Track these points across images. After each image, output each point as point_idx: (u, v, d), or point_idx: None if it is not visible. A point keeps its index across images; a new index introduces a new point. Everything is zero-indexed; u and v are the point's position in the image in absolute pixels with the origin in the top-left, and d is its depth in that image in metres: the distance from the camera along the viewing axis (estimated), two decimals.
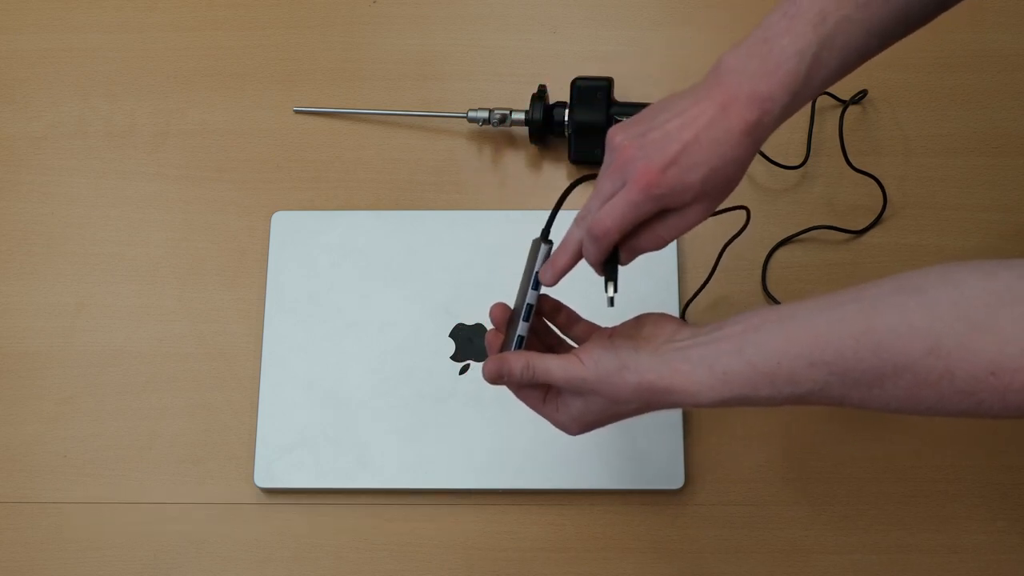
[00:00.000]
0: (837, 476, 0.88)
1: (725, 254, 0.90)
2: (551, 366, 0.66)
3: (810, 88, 0.65)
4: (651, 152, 0.63)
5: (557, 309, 0.72)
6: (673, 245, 0.91)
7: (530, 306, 0.70)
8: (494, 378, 0.68)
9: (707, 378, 0.63)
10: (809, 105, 0.97)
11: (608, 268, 0.68)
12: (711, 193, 0.64)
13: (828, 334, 0.60)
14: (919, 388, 0.58)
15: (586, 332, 0.72)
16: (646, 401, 0.64)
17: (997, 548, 0.86)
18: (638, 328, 0.67)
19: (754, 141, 0.65)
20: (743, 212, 0.86)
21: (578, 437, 0.86)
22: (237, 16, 1.04)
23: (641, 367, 0.64)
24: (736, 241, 0.90)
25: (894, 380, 0.58)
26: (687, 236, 0.93)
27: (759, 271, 0.93)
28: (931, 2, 0.68)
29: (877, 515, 0.87)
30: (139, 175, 0.99)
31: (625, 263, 0.68)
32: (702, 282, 0.91)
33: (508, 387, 0.70)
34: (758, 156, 0.95)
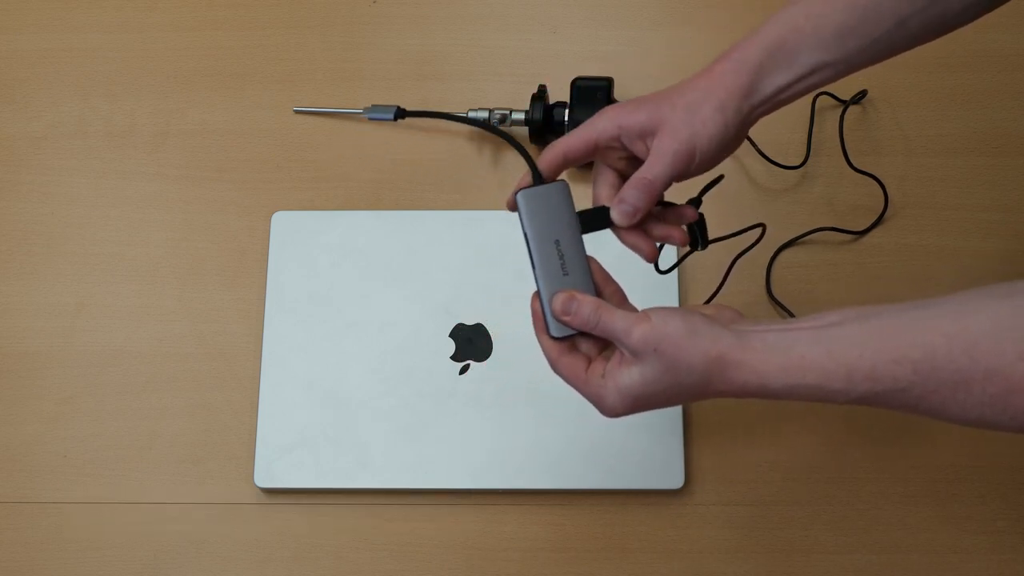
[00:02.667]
0: (837, 476, 0.88)
1: (726, 256, 0.90)
2: (617, 317, 0.62)
3: (785, 48, 0.66)
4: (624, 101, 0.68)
5: (607, 280, 0.68)
6: (673, 252, 0.91)
7: (586, 257, 0.67)
8: (561, 311, 0.65)
9: (781, 360, 0.60)
10: (809, 105, 0.97)
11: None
12: (667, 119, 0.65)
13: (917, 332, 0.58)
14: (1010, 395, 0.55)
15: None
16: (710, 375, 0.60)
17: (997, 548, 0.86)
18: (700, 309, 0.65)
19: (719, 83, 0.66)
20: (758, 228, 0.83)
21: (577, 438, 0.86)
22: (237, 16, 1.04)
23: (714, 335, 0.61)
24: (736, 242, 0.89)
25: (983, 385, 0.56)
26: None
27: (763, 274, 0.93)
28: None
29: (877, 515, 0.87)
30: (139, 175, 0.99)
31: (623, 221, 0.67)
32: (703, 290, 0.91)
33: (551, 354, 0.67)
34: (758, 156, 0.96)
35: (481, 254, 0.92)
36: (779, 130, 0.98)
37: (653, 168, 0.66)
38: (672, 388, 0.62)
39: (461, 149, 0.99)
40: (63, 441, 0.91)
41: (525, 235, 0.67)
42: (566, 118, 0.94)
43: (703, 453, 0.89)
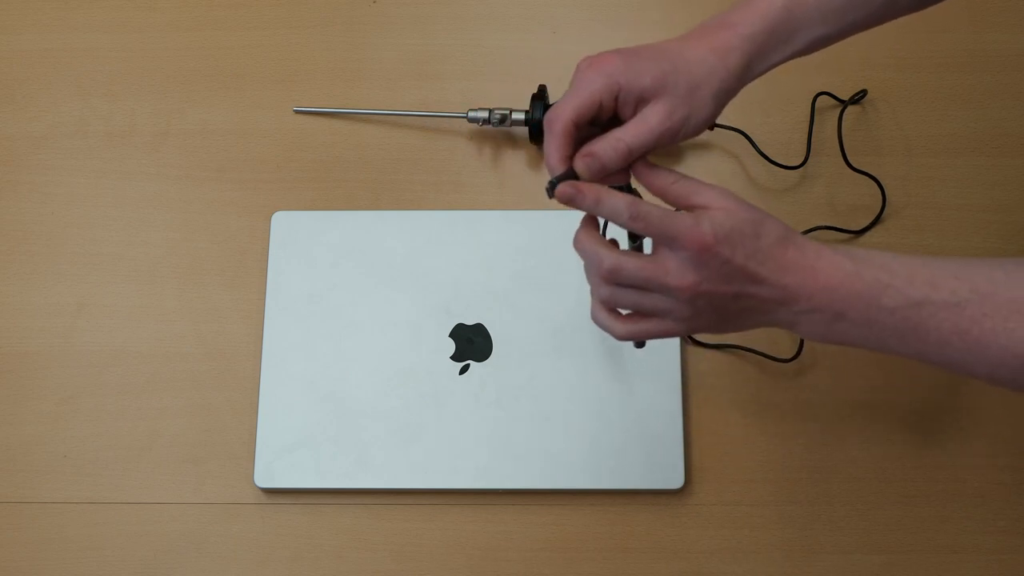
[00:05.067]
0: (837, 476, 0.88)
1: None
2: (705, 186, 0.61)
3: (789, 24, 0.64)
4: (616, 50, 0.63)
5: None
6: None
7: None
8: (641, 172, 0.63)
9: (847, 251, 0.61)
10: (809, 105, 0.97)
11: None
12: (671, 91, 0.62)
13: (979, 264, 0.60)
14: None
15: None
16: (787, 242, 0.60)
17: (997, 548, 0.86)
18: None
19: (721, 61, 0.63)
20: None
21: (577, 438, 0.86)
22: (237, 16, 1.04)
23: (784, 224, 0.61)
24: None
25: None
26: None
27: None
28: None
29: (877, 515, 0.87)
30: (139, 175, 0.99)
31: (588, 176, 0.63)
32: None
33: (647, 209, 0.61)
34: (759, 157, 0.96)
35: (481, 254, 0.92)
36: (779, 130, 0.98)
37: (634, 136, 0.62)
38: (755, 237, 0.59)
39: (461, 149, 0.99)
40: (63, 441, 0.91)
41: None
42: None
43: (703, 453, 0.89)
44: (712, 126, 0.94)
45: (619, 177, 0.64)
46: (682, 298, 0.61)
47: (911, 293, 0.59)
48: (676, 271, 0.60)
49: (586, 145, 0.63)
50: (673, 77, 0.62)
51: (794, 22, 0.64)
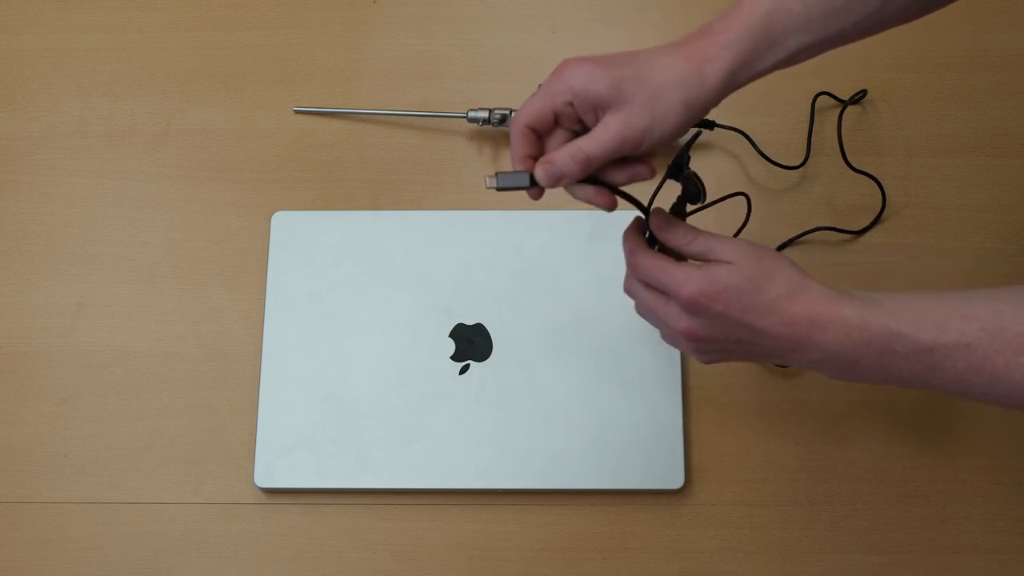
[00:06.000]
0: (837, 476, 0.88)
1: None
2: (718, 238, 0.65)
3: (772, 32, 0.63)
4: (587, 56, 0.63)
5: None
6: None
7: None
8: (658, 228, 0.66)
9: (858, 298, 0.62)
10: (809, 105, 0.97)
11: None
12: (629, 99, 0.61)
13: (985, 299, 0.60)
14: None
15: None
16: (793, 293, 0.62)
17: (997, 548, 0.86)
18: None
19: (697, 70, 0.62)
20: (743, 202, 0.80)
21: (577, 438, 0.86)
22: (237, 16, 1.04)
23: (803, 272, 0.64)
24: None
25: None
26: None
27: None
28: None
29: (877, 515, 0.87)
30: (139, 175, 0.99)
31: (546, 182, 0.64)
32: None
33: (634, 245, 0.66)
34: (759, 157, 0.96)
35: (481, 254, 0.92)
36: (779, 130, 0.98)
37: (594, 145, 0.62)
38: (758, 292, 0.62)
39: (461, 149, 0.99)
40: (63, 441, 0.91)
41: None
42: None
43: (703, 453, 0.89)
44: (712, 126, 0.95)
45: (605, 199, 0.66)
46: (684, 337, 0.66)
47: (921, 338, 0.60)
48: (674, 316, 0.65)
49: (548, 153, 0.64)
50: (632, 85, 0.61)
51: (777, 31, 0.63)
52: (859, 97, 0.98)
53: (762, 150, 0.96)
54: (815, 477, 0.88)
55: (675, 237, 0.66)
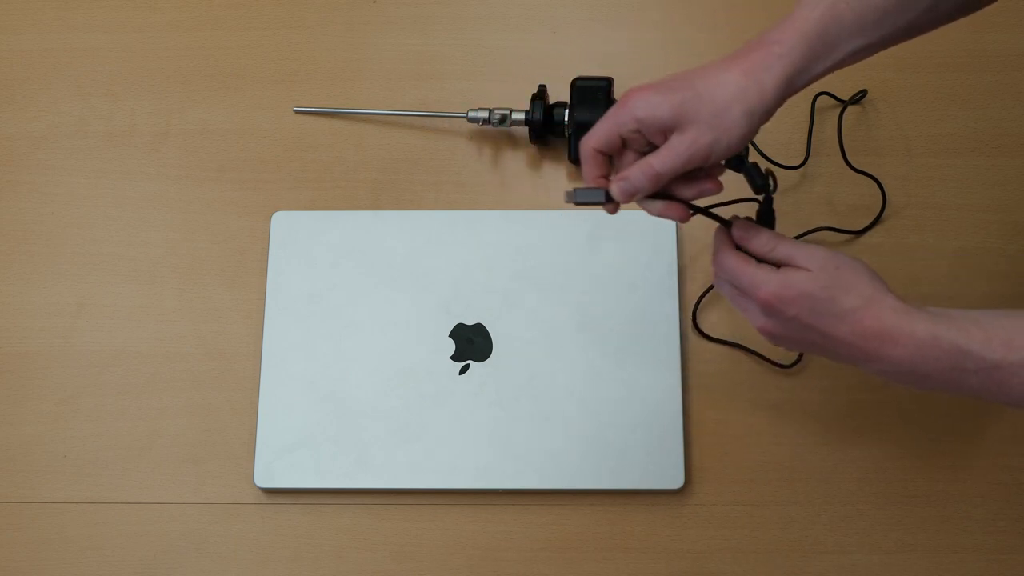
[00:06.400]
0: (837, 476, 0.88)
1: None
2: (799, 245, 0.68)
3: (826, 38, 0.65)
4: (645, 83, 0.67)
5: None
6: (672, 239, 0.91)
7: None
8: (739, 235, 0.70)
9: (931, 314, 0.64)
10: (809, 105, 0.97)
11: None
12: (693, 119, 0.65)
13: None
14: None
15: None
16: (867, 305, 0.65)
17: (997, 548, 0.86)
18: None
19: (755, 80, 0.65)
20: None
21: (577, 438, 0.86)
22: (237, 16, 1.04)
23: (881, 281, 0.66)
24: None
25: None
26: (686, 229, 0.93)
27: None
28: None
29: (877, 515, 0.87)
30: (139, 175, 0.99)
31: (621, 198, 0.68)
32: (701, 289, 0.91)
33: (722, 247, 0.70)
34: (758, 156, 0.96)
35: (481, 254, 0.92)
36: (779, 130, 0.98)
37: (665, 161, 0.66)
38: (832, 301, 0.65)
39: (461, 149, 0.99)
40: (63, 441, 0.91)
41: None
42: (566, 118, 0.94)
43: (703, 453, 0.89)
44: None
45: (676, 211, 0.69)
46: (762, 333, 0.70)
47: (989, 356, 0.62)
48: (753, 314, 0.69)
49: (622, 171, 0.68)
50: (694, 105, 0.65)
51: (832, 35, 0.65)
52: (859, 97, 0.98)
53: (762, 150, 0.96)
54: (815, 477, 0.88)
55: (757, 245, 0.69)
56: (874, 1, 0.66)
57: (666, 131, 0.66)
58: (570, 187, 0.96)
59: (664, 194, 0.68)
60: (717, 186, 0.69)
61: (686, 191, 0.68)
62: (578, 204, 0.69)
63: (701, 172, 0.68)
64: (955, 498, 0.87)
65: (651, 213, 0.69)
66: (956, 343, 0.63)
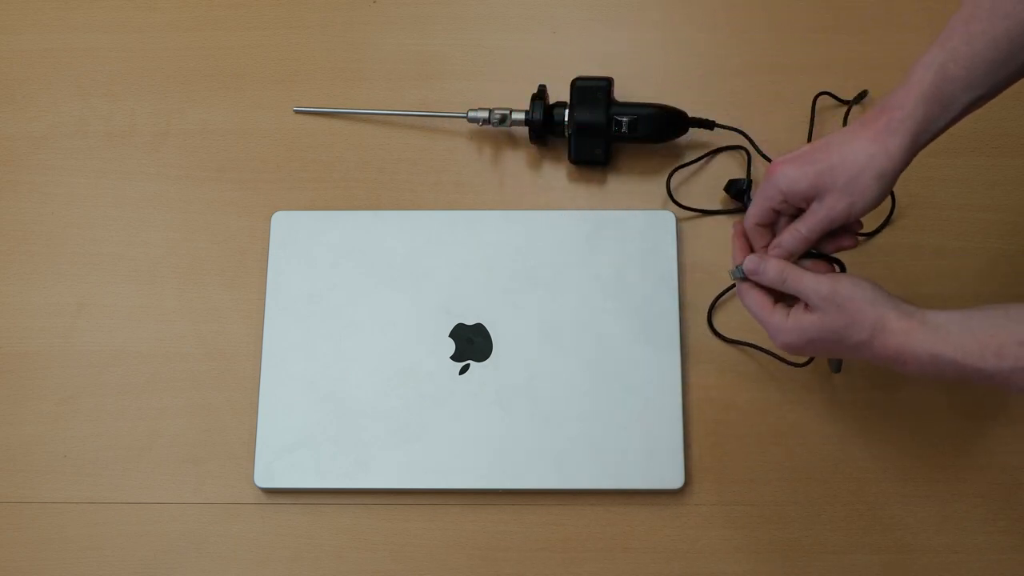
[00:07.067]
0: (837, 476, 0.88)
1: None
2: (806, 278, 0.73)
3: (942, 97, 0.71)
4: (786, 155, 0.74)
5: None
6: (672, 239, 0.91)
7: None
8: (749, 271, 0.76)
9: (931, 335, 0.69)
10: (810, 106, 0.97)
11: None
12: (830, 188, 0.72)
13: None
14: None
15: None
16: (874, 335, 0.71)
17: (997, 548, 0.86)
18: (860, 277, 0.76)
19: (882, 146, 0.71)
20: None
21: (577, 437, 0.86)
22: (237, 16, 1.04)
23: (887, 304, 0.71)
24: None
25: None
26: (687, 229, 0.93)
27: None
28: None
29: (877, 515, 0.87)
30: (139, 175, 0.99)
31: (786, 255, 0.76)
32: (704, 292, 0.92)
33: (742, 288, 0.77)
34: (760, 158, 0.96)
35: (481, 254, 0.92)
36: (780, 130, 0.97)
37: (808, 227, 0.74)
38: (841, 340, 0.72)
39: (461, 149, 0.99)
40: (63, 441, 0.91)
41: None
42: (566, 118, 0.94)
43: (703, 453, 0.89)
44: (712, 126, 0.95)
45: (822, 268, 0.78)
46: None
47: (983, 367, 0.67)
48: (777, 344, 0.76)
49: (776, 237, 0.77)
50: (830, 175, 0.72)
51: (947, 94, 0.71)
52: (860, 97, 0.98)
53: (762, 150, 0.96)
54: (815, 477, 0.88)
55: (770, 280, 0.75)
56: (982, 56, 0.70)
57: (807, 199, 0.73)
58: (570, 187, 0.97)
59: (811, 252, 0.77)
60: (853, 240, 0.77)
61: (827, 246, 0.77)
62: (743, 280, 0.77)
63: (841, 229, 0.75)
64: (955, 498, 0.87)
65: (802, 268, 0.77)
66: (954, 360, 0.68)
